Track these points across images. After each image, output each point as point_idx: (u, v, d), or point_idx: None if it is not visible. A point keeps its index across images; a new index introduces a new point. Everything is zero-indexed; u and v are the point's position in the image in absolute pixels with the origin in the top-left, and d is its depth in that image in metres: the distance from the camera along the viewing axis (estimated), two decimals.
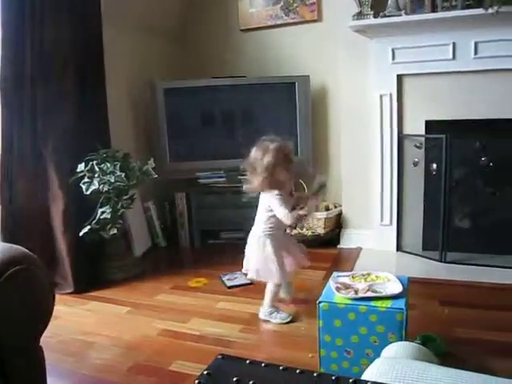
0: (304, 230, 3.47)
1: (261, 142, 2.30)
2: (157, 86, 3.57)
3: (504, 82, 2.94)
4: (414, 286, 2.71)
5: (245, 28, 3.95)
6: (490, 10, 2.74)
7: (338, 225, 3.52)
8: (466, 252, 3.07)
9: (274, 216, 2.33)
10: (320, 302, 1.80)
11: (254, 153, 2.28)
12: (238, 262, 3.23)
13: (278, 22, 3.83)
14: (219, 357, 0.91)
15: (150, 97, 3.63)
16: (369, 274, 1.95)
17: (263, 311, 2.45)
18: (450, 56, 2.98)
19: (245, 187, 2.38)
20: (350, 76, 3.29)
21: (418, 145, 3.10)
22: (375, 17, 3.05)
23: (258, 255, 2.38)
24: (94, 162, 2.84)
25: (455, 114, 3.03)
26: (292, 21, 3.80)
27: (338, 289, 1.82)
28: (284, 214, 2.26)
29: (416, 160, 3.11)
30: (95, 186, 2.81)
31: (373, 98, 3.17)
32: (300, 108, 3.52)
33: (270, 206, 2.32)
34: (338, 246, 3.45)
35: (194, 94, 3.61)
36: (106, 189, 2.82)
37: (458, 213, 3.13)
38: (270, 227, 2.37)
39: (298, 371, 0.88)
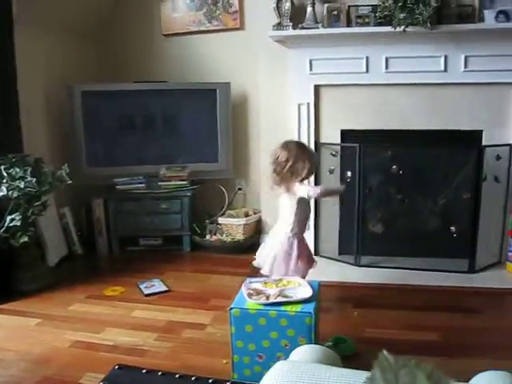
0: (223, 236, 3.48)
1: (283, 143, 2.43)
2: (74, 89, 3.45)
3: (412, 96, 3.14)
4: (329, 290, 2.84)
5: (167, 33, 3.92)
6: (398, 29, 2.92)
7: (257, 231, 3.56)
8: (380, 255, 3.23)
9: (299, 217, 2.40)
10: (231, 308, 1.81)
11: (277, 152, 2.39)
12: (157, 269, 3.21)
13: (201, 29, 3.84)
14: (116, 367, 0.90)
15: (66, 100, 3.50)
16: (281, 280, 1.99)
17: None
18: (364, 69, 3.13)
19: (270, 187, 2.47)
20: (270, 85, 3.36)
21: (333, 153, 3.22)
22: (294, 28, 3.15)
23: (282, 254, 2.38)
24: (2, 167, 2.70)
25: (369, 124, 3.19)
26: (215, 28, 3.82)
27: (249, 295, 1.85)
28: (310, 189, 2.42)
29: (332, 168, 3.23)
30: (3, 191, 2.68)
31: (291, 106, 3.26)
32: (221, 114, 3.54)
33: (296, 197, 2.37)
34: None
35: (113, 98, 3.54)
36: (15, 195, 2.69)
37: (371, 218, 3.28)
38: (298, 228, 2.41)
39: (193, 378, 0.89)
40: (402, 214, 3.26)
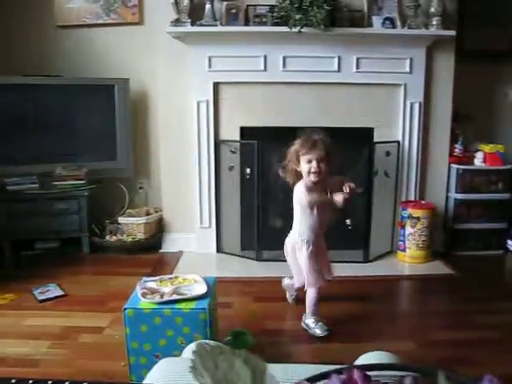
0: (124, 236, 3.39)
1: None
2: None
3: (308, 94, 3.25)
4: (231, 286, 2.87)
5: (62, 24, 3.72)
6: (294, 29, 3.01)
7: (159, 229, 3.51)
8: (280, 250, 3.29)
9: (308, 217, 2.27)
10: (125, 309, 1.77)
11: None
12: (54, 274, 3.05)
13: (99, 22, 3.69)
14: None
15: None
16: (176, 277, 1.98)
17: (304, 320, 2.35)
18: (262, 67, 3.20)
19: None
20: (170, 81, 3.31)
21: (233, 150, 3.26)
22: (192, 25, 3.13)
23: (295, 261, 2.35)
24: None
25: (267, 121, 3.25)
26: (113, 21, 3.68)
27: (143, 294, 1.82)
28: (302, 196, 2.22)
29: (232, 164, 3.26)
30: None
31: (191, 103, 3.24)
32: (119, 111, 3.43)
33: (298, 200, 2.26)
34: (160, 251, 3.44)
35: (0, 92, 3.30)
36: None
37: (271, 214, 3.35)
38: (307, 230, 2.29)
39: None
40: None
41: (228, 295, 2.71)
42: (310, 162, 2.16)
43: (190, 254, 3.36)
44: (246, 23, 3.17)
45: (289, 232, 2.45)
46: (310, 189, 2.20)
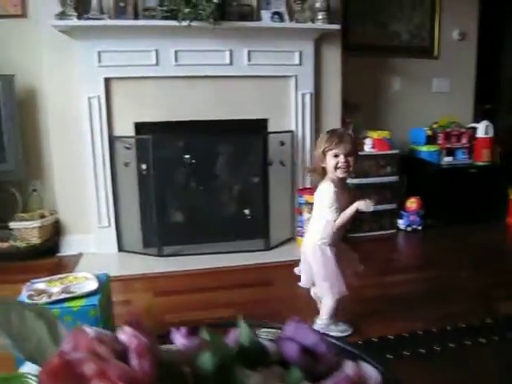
0: (17, 241, 3.20)
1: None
2: None
3: (202, 88, 3.27)
4: (132, 283, 2.83)
5: None
6: (184, 23, 3.01)
7: (56, 232, 3.36)
8: (183, 244, 3.31)
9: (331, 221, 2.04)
10: None
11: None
12: None
13: None
14: None
15: None
16: (67, 277, 1.91)
17: (319, 323, 2.16)
18: (154, 62, 3.16)
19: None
20: (58, 77, 3.16)
21: (128, 146, 3.19)
22: (79, 18, 3.02)
23: (316, 267, 2.10)
24: None
25: (162, 116, 3.22)
26: None
27: (30, 296, 1.74)
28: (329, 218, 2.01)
29: (127, 161, 3.20)
30: None
31: (81, 100, 3.13)
32: (5, 110, 3.21)
33: (324, 202, 2.02)
34: (58, 255, 3.30)
35: None
36: None
37: (171, 208, 3.34)
38: (328, 233, 2.06)
39: None
40: (199, 201, 3.38)
41: (128, 292, 2.67)
42: (337, 156, 1.99)
43: (90, 255, 3.25)
44: (136, 17, 3.12)
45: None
46: (337, 187, 2.02)
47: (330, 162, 2.01)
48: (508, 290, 2.65)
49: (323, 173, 2.07)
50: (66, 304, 1.72)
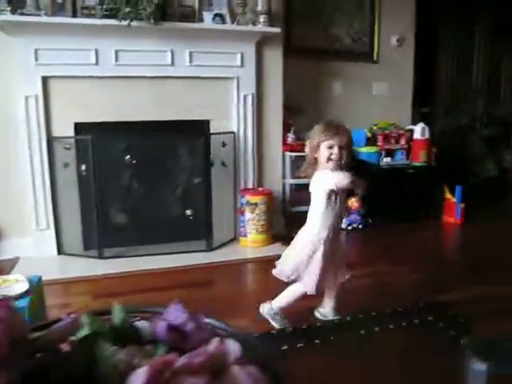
0: None
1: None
2: None
3: (143, 88, 3.25)
4: (71, 286, 2.78)
5: None
6: (124, 22, 2.98)
7: None
8: (125, 246, 3.27)
9: (330, 210, 2.01)
10: None
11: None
12: None
13: None
14: None
15: None
16: None
17: (268, 308, 2.15)
18: (94, 61, 3.11)
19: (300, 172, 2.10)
20: None
21: (67, 146, 3.13)
22: (13, 13, 2.93)
23: (303, 258, 2.04)
24: None
25: (103, 116, 3.18)
26: None
27: None
28: (340, 176, 1.93)
29: (66, 161, 3.13)
30: None
31: (17, 99, 3.03)
32: None
33: (323, 186, 1.97)
34: None
35: None
36: None
37: (113, 210, 3.30)
38: (326, 227, 2.03)
39: None
40: (141, 202, 3.36)
41: (66, 296, 2.63)
42: (331, 147, 1.96)
43: (28, 259, 3.15)
44: (74, 14, 3.06)
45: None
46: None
47: (323, 153, 1.97)
48: (442, 282, 2.78)
49: (315, 164, 2.04)
50: None
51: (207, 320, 0.46)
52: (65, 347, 0.41)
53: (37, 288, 1.85)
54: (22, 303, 1.70)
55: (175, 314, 0.43)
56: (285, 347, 0.82)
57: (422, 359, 0.70)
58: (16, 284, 1.82)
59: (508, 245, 3.65)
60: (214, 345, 0.39)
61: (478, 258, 3.21)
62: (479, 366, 0.47)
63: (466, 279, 2.83)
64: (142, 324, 0.44)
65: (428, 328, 0.95)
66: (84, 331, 0.40)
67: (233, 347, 0.39)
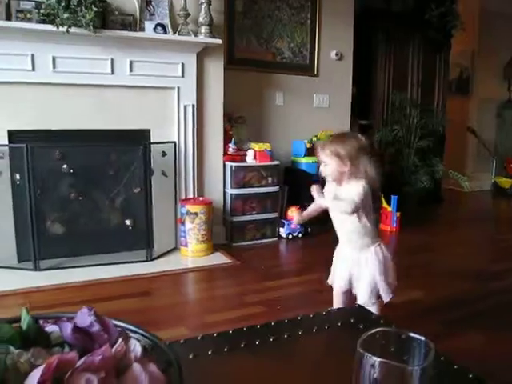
0: None
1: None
2: None
3: (82, 96, 3.19)
4: (4, 299, 2.68)
5: None
6: (61, 28, 2.93)
7: None
8: (63, 257, 3.19)
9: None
10: None
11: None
12: None
13: None
14: None
15: None
16: None
17: None
18: (30, 67, 3.03)
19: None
20: None
21: (0, 155, 3.02)
22: None
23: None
24: None
25: (39, 123, 3.09)
26: None
27: None
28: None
29: None
30: None
31: None
32: None
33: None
34: None
35: None
36: None
37: (49, 220, 3.20)
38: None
39: None
40: (79, 213, 3.28)
41: (1, 309, 2.53)
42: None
43: None
44: (8, 18, 2.97)
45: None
46: None
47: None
48: None
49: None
50: None
51: (116, 323, 0.48)
52: None
53: None
54: None
55: (82, 317, 0.45)
56: (202, 352, 0.84)
57: (341, 361, 0.74)
58: None
59: (438, 251, 3.86)
60: (117, 344, 0.41)
61: (411, 263, 3.36)
62: (368, 360, 0.51)
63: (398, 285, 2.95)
64: (51, 328, 0.46)
65: (350, 330, 1.00)
66: None
67: (135, 347, 0.41)
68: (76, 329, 0.43)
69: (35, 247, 3.04)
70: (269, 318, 2.37)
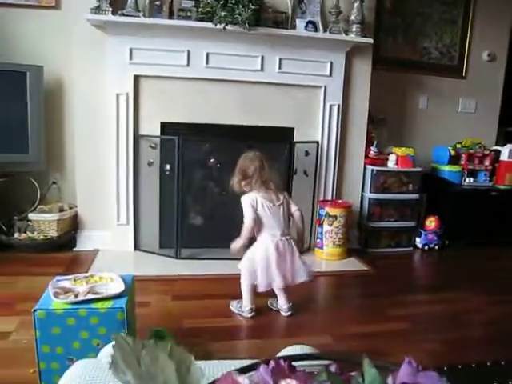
0: (35, 233, 3.19)
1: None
2: None
3: (231, 92, 3.25)
4: (149, 284, 2.79)
5: None
6: (219, 26, 2.99)
7: (73, 227, 3.34)
8: (200, 247, 3.28)
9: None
10: (35, 311, 1.66)
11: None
12: None
13: (9, 1, 3.44)
14: None
15: None
16: (92, 276, 1.88)
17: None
18: (185, 62, 3.14)
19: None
20: (87, 71, 3.15)
21: (153, 145, 3.17)
22: (114, 14, 3.00)
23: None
24: None
25: (189, 117, 3.21)
26: (26, 3, 3.45)
27: (56, 294, 1.71)
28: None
29: (151, 160, 3.18)
30: None
31: (109, 96, 3.11)
32: (31, 101, 3.20)
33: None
34: (74, 249, 3.27)
35: None
36: None
37: (191, 211, 3.31)
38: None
39: None
40: (220, 206, 3.34)
41: (146, 294, 2.63)
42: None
43: (107, 252, 3.23)
44: (170, 16, 3.10)
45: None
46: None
47: None
48: None
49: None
50: (93, 305, 1.69)
51: None
52: None
53: (131, 288, 1.86)
54: (121, 304, 1.71)
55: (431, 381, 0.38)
56: None
57: None
58: (111, 283, 1.84)
59: None
60: None
61: None
62: None
63: None
64: None
65: None
66: None
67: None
68: None
69: (178, 236, 3.15)
70: (417, 335, 2.29)
